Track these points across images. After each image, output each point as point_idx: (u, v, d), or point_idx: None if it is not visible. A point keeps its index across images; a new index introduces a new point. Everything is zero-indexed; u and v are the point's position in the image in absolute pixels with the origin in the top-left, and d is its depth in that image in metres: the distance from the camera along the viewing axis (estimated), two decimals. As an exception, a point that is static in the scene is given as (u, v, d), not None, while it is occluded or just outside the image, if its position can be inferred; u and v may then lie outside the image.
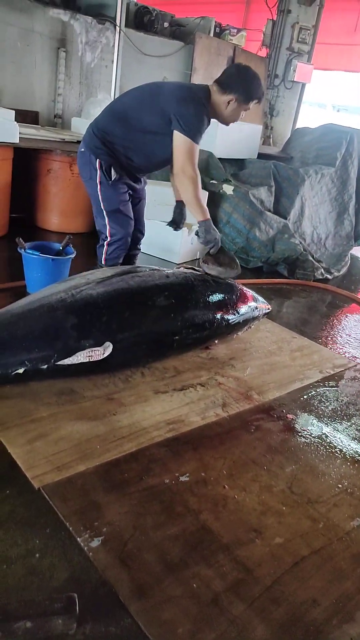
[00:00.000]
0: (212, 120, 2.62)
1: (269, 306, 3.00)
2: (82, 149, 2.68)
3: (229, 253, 2.72)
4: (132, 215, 2.82)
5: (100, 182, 2.63)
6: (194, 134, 2.41)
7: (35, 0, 4.40)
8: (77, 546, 1.44)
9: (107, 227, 2.76)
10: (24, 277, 3.07)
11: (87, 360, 2.09)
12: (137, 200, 2.95)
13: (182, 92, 2.48)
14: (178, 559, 1.45)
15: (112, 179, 2.62)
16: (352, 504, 1.76)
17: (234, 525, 1.60)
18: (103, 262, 2.86)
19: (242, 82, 2.45)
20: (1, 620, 1.17)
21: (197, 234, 2.61)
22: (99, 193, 2.67)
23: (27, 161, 4.30)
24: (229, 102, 2.49)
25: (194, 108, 2.42)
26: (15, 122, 3.81)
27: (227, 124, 2.65)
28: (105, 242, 2.82)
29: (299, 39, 6.63)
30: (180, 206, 2.95)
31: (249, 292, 2.81)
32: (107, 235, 2.79)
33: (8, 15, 4.23)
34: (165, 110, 2.45)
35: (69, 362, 2.05)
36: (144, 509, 1.60)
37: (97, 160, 2.60)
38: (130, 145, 2.60)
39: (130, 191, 2.81)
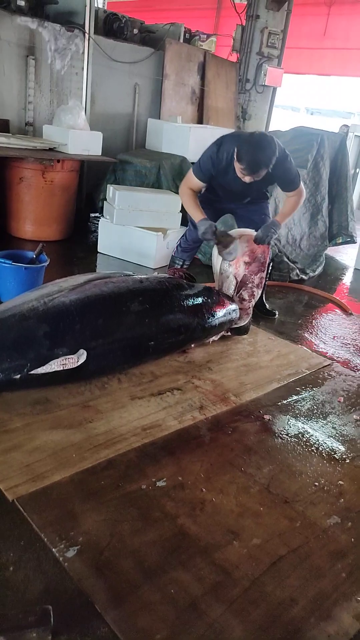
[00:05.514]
0: (185, 125, 2.72)
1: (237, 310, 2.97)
2: None
3: (226, 233, 2.90)
4: None
5: None
6: (195, 167, 2.89)
7: (2, 9, 4.37)
8: (52, 557, 1.42)
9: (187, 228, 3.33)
10: (-3, 287, 3.03)
11: (61, 368, 2.07)
12: (245, 219, 3.14)
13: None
14: (155, 565, 1.44)
15: (200, 193, 3.06)
16: (328, 502, 1.78)
17: (212, 529, 1.60)
18: (173, 253, 3.44)
19: (242, 141, 2.60)
20: (-26, 637, 1.15)
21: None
22: None
23: (-2, 170, 4.26)
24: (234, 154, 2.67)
25: (206, 150, 2.83)
26: (-15, 131, 3.78)
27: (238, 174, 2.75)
28: (180, 238, 3.39)
29: (269, 44, 6.69)
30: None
31: (224, 296, 2.82)
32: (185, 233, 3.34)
33: (-25, 24, 4.20)
34: None
35: (43, 371, 2.03)
36: (121, 516, 1.59)
37: None
38: None
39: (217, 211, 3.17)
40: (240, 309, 2.89)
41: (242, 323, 2.95)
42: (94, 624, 1.27)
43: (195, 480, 1.79)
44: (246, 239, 2.87)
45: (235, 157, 2.59)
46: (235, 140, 2.69)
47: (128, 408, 2.16)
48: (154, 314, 2.40)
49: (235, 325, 2.92)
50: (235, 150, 2.59)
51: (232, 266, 2.90)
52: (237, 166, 2.62)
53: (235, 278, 2.92)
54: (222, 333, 2.86)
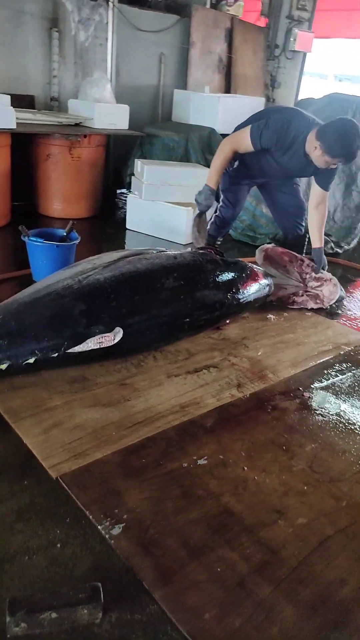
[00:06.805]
0: (214, 95, 2.73)
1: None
2: None
3: (204, 223, 3.07)
4: (235, 201, 3.24)
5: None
6: (254, 132, 2.72)
7: (25, -20, 4.28)
8: (98, 534, 1.43)
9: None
10: (29, 265, 3.03)
11: (98, 346, 2.05)
12: (274, 192, 3.21)
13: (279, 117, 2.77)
14: (201, 543, 1.43)
15: (232, 167, 3.08)
16: (375, 481, 1.73)
17: (256, 507, 1.57)
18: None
19: (331, 135, 2.55)
20: (26, 612, 1.16)
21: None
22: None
23: (25, 147, 4.22)
24: (315, 148, 2.63)
25: (272, 121, 2.71)
26: (11, 107, 3.73)
27: (317, 165, 2.74)
28: (214, 215, 3.34)
29: (299, 6, 6.40)
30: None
31: (258, 270, 2.75)
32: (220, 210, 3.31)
33: (-3, -3, 4.11)
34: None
35: (80, 350, 2.02)
36: (164, 494, 1.58)
37: None
38: None
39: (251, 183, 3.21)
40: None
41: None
42: (143, 601, 1.27)
43: (236, 459, 1.77)
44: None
45: (331, 153, 2.55)
46: (309, 124, 2.65)
47: (165, 386, 2.14)
48: (188, 290, 2.36)
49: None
50: (323, 145, 2.54)
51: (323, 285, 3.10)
52: (326, 159, 2.59)
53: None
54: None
